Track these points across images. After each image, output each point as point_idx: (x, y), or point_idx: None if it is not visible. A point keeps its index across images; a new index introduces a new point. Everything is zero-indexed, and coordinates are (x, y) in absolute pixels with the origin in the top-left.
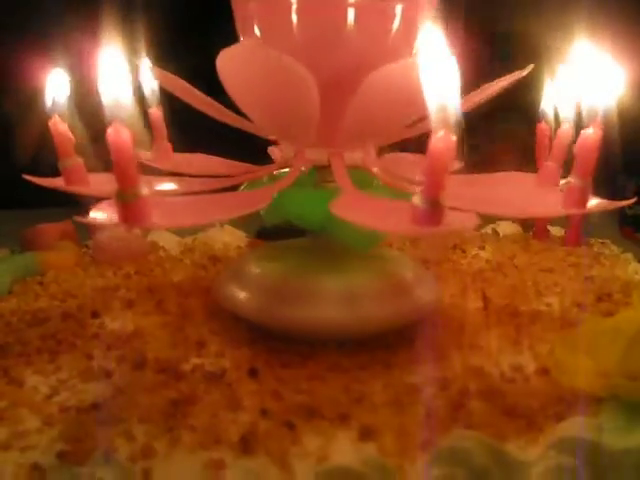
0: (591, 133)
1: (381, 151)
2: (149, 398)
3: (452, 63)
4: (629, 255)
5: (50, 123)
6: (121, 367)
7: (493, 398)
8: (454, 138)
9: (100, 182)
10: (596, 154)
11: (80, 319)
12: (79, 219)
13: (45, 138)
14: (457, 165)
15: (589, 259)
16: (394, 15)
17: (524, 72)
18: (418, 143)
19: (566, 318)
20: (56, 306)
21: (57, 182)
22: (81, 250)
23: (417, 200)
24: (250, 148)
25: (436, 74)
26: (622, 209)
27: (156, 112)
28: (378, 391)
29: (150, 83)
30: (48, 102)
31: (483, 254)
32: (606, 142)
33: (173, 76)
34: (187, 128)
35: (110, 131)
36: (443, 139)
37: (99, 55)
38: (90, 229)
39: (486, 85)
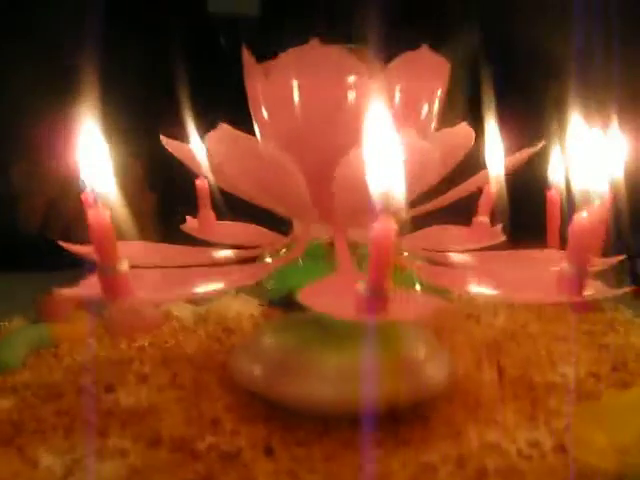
0: (585, 217)
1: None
2: (165, 479)
3: (397, 149)
4: None
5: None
6: (136, 446)
7: (511, 477)
8: (394, 226)
9: (129, 251)
10: (594, 241)
11: (94, 394)
12: (62, 293)
13: (54, 204)
14: (499, 238)
15: (602, 326)
16: (394, 95)
17: (536, 148)
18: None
19: (582, 390)
20: (70, 380)
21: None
22: (95, 320)
23: (361, 287)
24: None
25: (380, 161)
26: (634, 269)
27: (202, 183)
28: (395, 470)
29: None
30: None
31: (496, 322)
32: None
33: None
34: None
35: (90, 213)
36: (383, 227)
37: (78, 138)
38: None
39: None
